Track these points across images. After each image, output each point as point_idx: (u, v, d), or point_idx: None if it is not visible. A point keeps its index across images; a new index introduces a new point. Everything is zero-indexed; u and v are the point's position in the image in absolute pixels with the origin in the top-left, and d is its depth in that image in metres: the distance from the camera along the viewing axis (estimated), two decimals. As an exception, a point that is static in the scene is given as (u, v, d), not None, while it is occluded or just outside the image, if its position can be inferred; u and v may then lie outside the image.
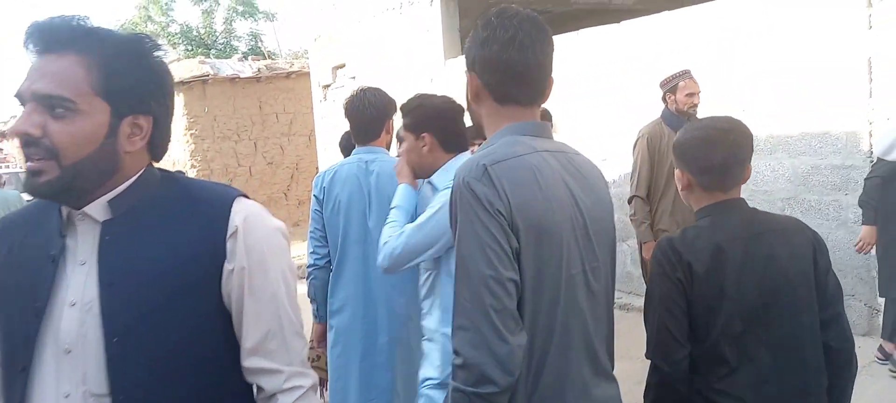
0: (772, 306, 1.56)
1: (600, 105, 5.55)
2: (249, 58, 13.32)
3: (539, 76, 1.37)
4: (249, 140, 11.99)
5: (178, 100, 11.48)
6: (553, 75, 1.40)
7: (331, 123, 8.99)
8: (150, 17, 23.00)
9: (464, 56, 1.47)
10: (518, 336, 1.21)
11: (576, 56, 5.63)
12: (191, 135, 11.49)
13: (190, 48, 22.31)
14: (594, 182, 1.41)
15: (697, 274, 1.55)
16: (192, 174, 9.06)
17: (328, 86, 9.04)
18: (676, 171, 1.74)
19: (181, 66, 11.75)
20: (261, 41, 23.77)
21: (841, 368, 1.61)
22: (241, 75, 11.71)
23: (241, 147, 11.85)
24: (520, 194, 1.24)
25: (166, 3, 23.15)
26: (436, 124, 2.12)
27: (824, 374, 1.59)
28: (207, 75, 11.34)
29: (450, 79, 6.85)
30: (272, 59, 14.09)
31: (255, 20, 24.24)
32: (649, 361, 1.64)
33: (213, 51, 21.79)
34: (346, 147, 3.74)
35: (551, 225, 1.27)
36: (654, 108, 4.14)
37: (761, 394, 1.54)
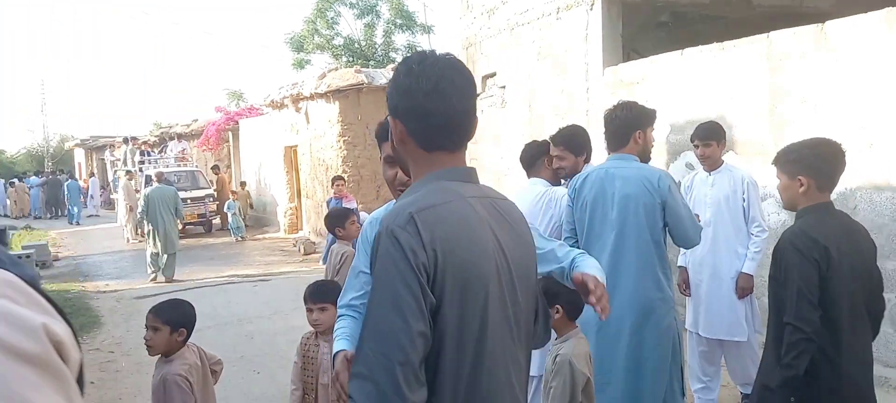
0: (866, 285, 2.24)
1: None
2: (403, 68, 13.46)
3: (464, 122, 1.37)
4: (398, 149, 12.07)
5: (334, 107, 11.86)
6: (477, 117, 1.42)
7: (481, 134, 8.70)
8: (317, 30, 24.38)
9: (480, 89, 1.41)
10: (417, 392, 1.19)
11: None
12: (343, 141, 11.79)
13: (351, 59, 23.31)
14: (518, 226, 1.43)
15: (833, 258, 2.14)
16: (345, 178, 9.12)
17: (479, 95, 8.76)
18: (790, 180, 2.31)
19: (338, 75, 12.11)
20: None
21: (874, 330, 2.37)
22: (394, 84, 11.81)
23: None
24: (447, 243, 1.24)
25: (332, 18, 24.43)
26: None
27: None
28: (362, 84, 11.57)
29: (608, 88, 6.26)
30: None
31: (412, 33, 24.88)
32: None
33: (372, 62, 22.60)
34: (528, 159, 3.59)
35: (477, 274, 1.27)
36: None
37: (866, 353, 2.26)
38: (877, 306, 2.32)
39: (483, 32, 8.46)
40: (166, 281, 9.64)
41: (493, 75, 8.38)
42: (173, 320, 2.70)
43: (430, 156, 1.37)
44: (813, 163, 2.25)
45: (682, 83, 5.61)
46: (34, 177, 26.74)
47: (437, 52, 1.39)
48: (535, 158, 3.58)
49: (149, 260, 9.83)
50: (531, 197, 3.42)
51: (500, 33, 8.06)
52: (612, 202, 2.93)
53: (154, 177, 11.83)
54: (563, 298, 2.51)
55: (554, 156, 3.45)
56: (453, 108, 1.33)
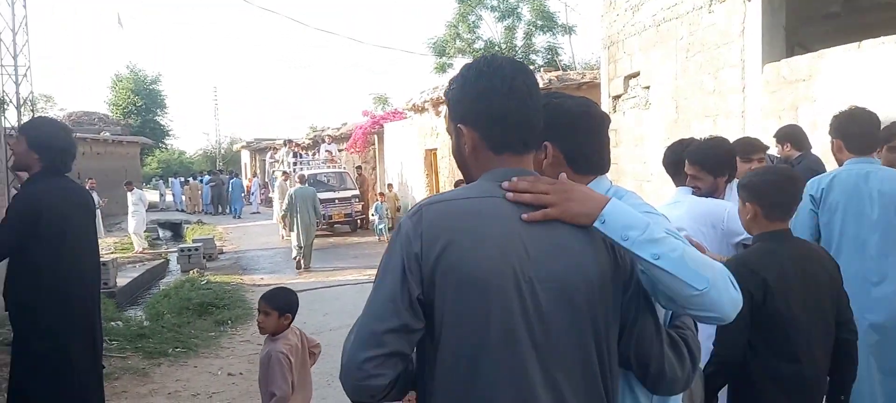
0: (818, 311, 2.21)
1: None
2: (541, 70, 13.24)
3: (536, 122, 1.35)
4: (536, 152, 11.90)
5: (472, 110, 11.88)
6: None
7: (621, 136, 8.31)
8: (458, 34, 24.75)
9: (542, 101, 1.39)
10: (388, 371, 1.24)
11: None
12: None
13: (491, 63, 23.39)
14: (564, 237, 1.28)
15: (772, 287, 2.14)
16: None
17: (619, 96, 8.36)
18: (743, 205, 2.31)
19: (477, 78, 12.14)
20: (557, 54, 23.90)
21: (850, 357, 2.29)
22: (532, 86, 11.65)
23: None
24: (445, 237, 1.23)
25: (473, 21, 24.68)
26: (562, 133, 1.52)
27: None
28: (500, 86, 11.50)
29: (767, 86, 5.67)
30: (565, 71, 13.84)
31: (553, 34, 24.50)
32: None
33: (511, 65, 22.51)
34: (673, 164, 3.12)
35: (480, 274, 1.23)
36: None
37: (814, 375, 2.23)
38: (843, 333, 2.27)
39: (626, 30, 8.05)
40: (306, 272, 11.04)
41: (636, 75, 7.94)
42: (280, 306, 3.11)
43: (497, 159, 1.34)
44: (761, 191, 2.25)
45: (859, 79, 4.93)
46: (207, 175, 29.63)
47: (501, 55, 1.38)
48: (680, 163, 2.98)
49: (294, 245, 11.65)
50: (698, 212, 2.79)
51: (645, 30, 7.62)
52: (871, 203, 2.90)
53: (297, 179, 13.53)
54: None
55: (689, 174, 2.99)
56: (527, 108, 1.32)
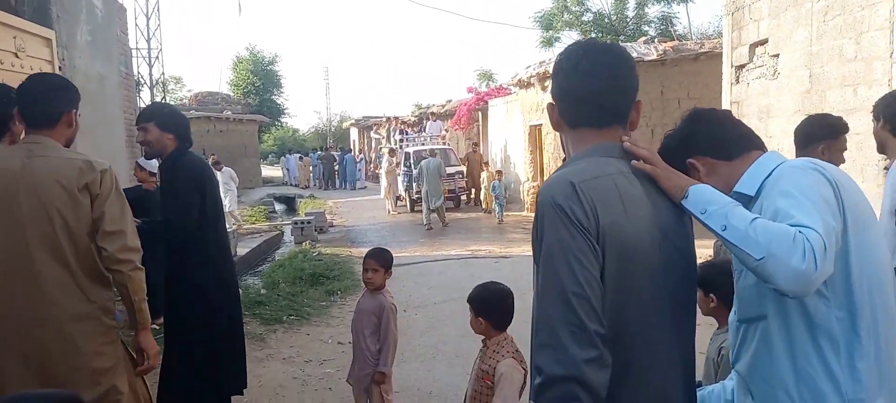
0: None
1: None
2: (656, 41, 12.60)
3: (606, 100, 1.43)
4: (647, 127, 11.38)
5: (581, 84, 11.54)
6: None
7: (744, 109, 7.74)
8: (566, 6, 24.06)
9: None
10: (603, 354, 1.23)
11: None
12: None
13: (601, 35, 22.61)
14: (672, 207, 1.42)
15: None
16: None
17: (743, 66, 7.78)
18: None
19: (586, 51, 11.76)
20: (672, 24, 22.71)
21: None
22: (645, 58, 11.12)
23: (636, 134, 11.29)
24: (608, 214, 1.30)
25: (582, -7, 23.89)
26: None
27: None
28: (610, 59, 11.08)
29: (921, 51, 5.05)
30: (681, 42, 13.11)
31: (667, 3, 23.28)
32: None
33: (622, 37, 21.66)
34: (803, 137, 2.90)
35: (635, 249, 1.31)
36: None
37: None
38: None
39: (753, -7, 7.44)
40: (444, 230, 13.04)
41: (763, 42, 7.34)
42: (387, 263, 3.52)
43: (576, 134, 1.48)
44: None
45: None
46: (319, 151, 30.85)
47: (598, 41, 1.54)
48: (813, 139, 2.83)
49: (424, 213, 13.52)
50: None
51: (775, -7, 7.00)
52: None
53: (428, 152, 15.56)
54: (719, 287, 2.37)
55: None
56: (594, 86, 1.42)
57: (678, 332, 1.41)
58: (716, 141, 1.64)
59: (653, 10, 23.74)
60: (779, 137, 7.03)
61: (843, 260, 1.42)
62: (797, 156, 2.86)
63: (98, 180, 2.27)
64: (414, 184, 15.52)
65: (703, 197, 1.40)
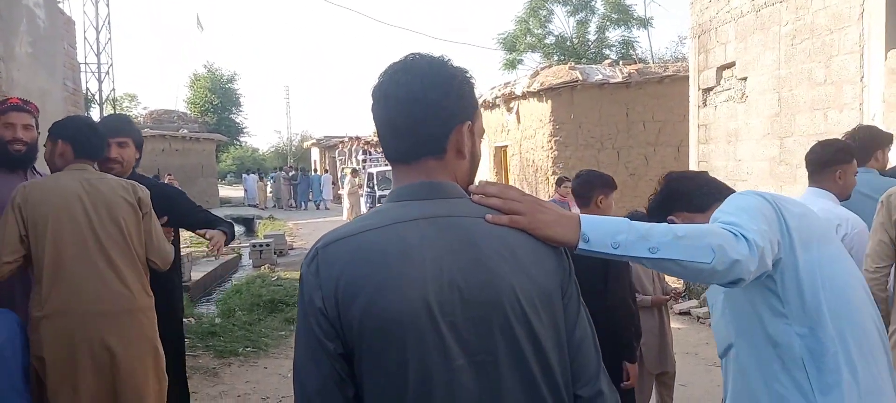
0: None
1: None
2: (620, 63, 12.67)
3: (407, 128, 1.18)
4: (613, 149, 11.36)
5: (546, 106, 11.47)
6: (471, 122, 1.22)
7: (711, 132, 7.72)
8: (529, 29, 24.25)
9: None
10: None
11: None
12: (555, 141, 11.36)
13: (563, 58, 22.82)
14: (487, 253, 1.13)
15: None
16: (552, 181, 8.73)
17: (710, 89, 7.77)
18: None
19: (551, 73, 11.71)
20: (633, 48, 23.07)
21: None
22: (611, 81, 11.12)
23: (603, 155, 11.28)
24: (352, 283, 1.09)
25: (545, 16, 24.12)
26: None
27: None
28: (576, 81, 11.04)
29: (893, 75, 5.04)
30: (645, 65, 13.21)
31: (628, 27, 23.67)
32: None
33: (584, 60, 21.88)
34: (817, 162, 2.78)
35: (396, 316, 1.08)
36: None
37: None
38: None
39: (720, 17, 7.46)
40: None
41: (730, 65, 7.34)
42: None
43: (394, 170, 1.24)
44: None
45: None
46: (281, 171, 30.30)
47: (414, 58, 1.22)
48: (828, 164, 2.74)
49: None
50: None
51: (743, 16, 7.01)
52: None
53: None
54: None
55: None
56: (391, 111, 1.20)
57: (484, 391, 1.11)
58: (692, 197, 1.83)
59: (614, 35, 24.15)
60: (748, 160, 7.00)
61: (793, 276, 1.48)
62: (811, 184, 2.76)
63: (146, 199, 2.77)
64: (377, 205, 15.33)
65: (604, 230, 1.21)
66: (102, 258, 2.62)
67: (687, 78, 8.72)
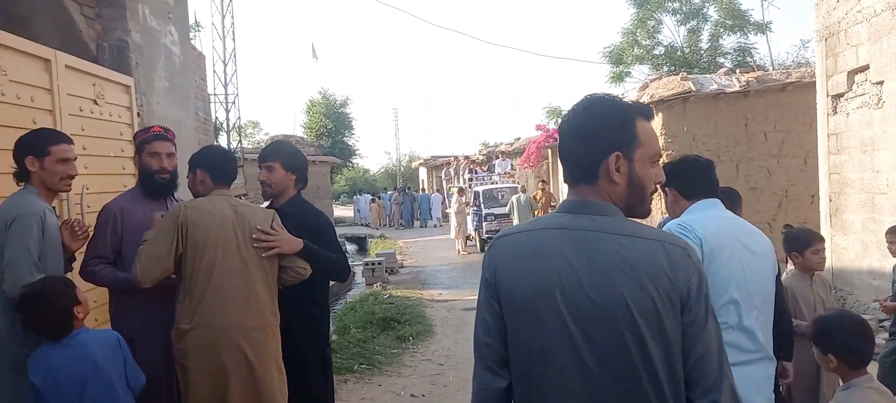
0: None
1: None
2: (737, 71, 12.02)
3: (571, 158, 1.49)
4: (731, 162, 10.76)
5: (656, 119, 11.06)
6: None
7: (844, 142, 7.14)
8: (636, 41, 23.57)
9: None
10: (493, 381, 1.51)
11: None
12: (667, 155, 10.94)
13: (673, 68, 21.96)
14: (605, 261, 1.38)
15: None
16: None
17: (841, 95, 7.20)
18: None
19: (662, 84, 11.30)
20: (750, 55, 21.83)
21: None
22: (727, 90, 10.57)
23: (720, 169, 10.55)
24: (504, 266, 1.49)
25: (653, 26, 23.36)
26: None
27: None
28: (689, 92, 10.59)
29: None
30: (765, 72, 12.45)
31: (744, 33, 22.43)
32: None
33: (696, 69, 20.95)
34: None
35: (523, 297, 1.44)
36: None
37: None
38: None
39: (850, 17, 6.91)
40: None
41: (863, 69, 6.77)
42: None
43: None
44: None
45: None
46: (392, 191, 31.23)
47: (591, 96, 1.51)
48: None
49: None
50: None
51: (876, 16, 6.46)
52: None
53: (520, 188, 16.25)
54: (836, 343, 2.36)
55: None
56: (563, 143, 1.53)
57: (588, 383, 1.38)
58: (685, 182, 2.46)
59: (728, 42, 22.94)
60: (887, 171, 6.40)
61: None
62: None
63: (277, 225, 2.95)
64: (484, 223, 15.42)
65: None
66: (246, 277, 2.82)
67: (813, 84, 8.15)
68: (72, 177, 2.81)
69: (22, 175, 2.71)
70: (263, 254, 2.86)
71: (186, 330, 2.75)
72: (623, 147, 1.43)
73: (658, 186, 1.60)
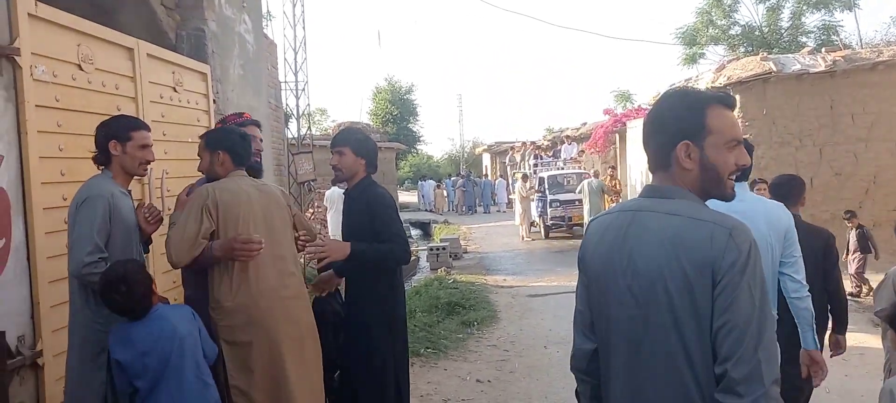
0: None
1: None
2: (822, 50, 11.35)
3: (649, 147, 1.65)
4: (814, 146, 10.21)
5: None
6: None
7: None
8: (712, 20, 22.68)
9: None
10: (583, 344, 1.76)
11: None
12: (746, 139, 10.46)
13: (750, 49, 21.01)
14: (651, 239, 1.53)
15: None
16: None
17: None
18: None
19: (740, 65, 10.81)
20: (836, 33, 20.62)
21: None
22: (811, 70, 10.01)
23: (802, 154, 10.17)
24: (588, 244, 1.72)
25: (730, 5, 22.41)
26: None
27: None
28: (769, 73, 10.09)
29: None
30: (853, 51, 11.72)
31: (829, 11, 21.20)
32: None
33: (775, 50, 19.96)
34: None
35: (595, 270, 1.66)
36: None
37: None
38: None
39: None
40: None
41: (968, 45, 6.25)
42: None
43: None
44: None
45: None
46: (456, 177, 31.31)
47: (670, 90, 1.77)
48: None
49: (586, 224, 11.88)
50: None
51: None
52: None
53: (591, 174, 15.56)
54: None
55: None
56: (642, 137, 1.68)
57: (629, 367, 1.57)
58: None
59: (811, 19, 21.77)
60: None
61: None
62: None
63: (291, 203, 3.22)
64: (549, 209, 15.27)
65: None
66: (277, 251, 2.99)
67: (909, 63, 7.60)
68: (149, 162, 2.92)
69: (101, 158, 2.83)
70: (316, 264, 3.16)
71: (230, 307, 2.84)
72: (691, 136, 1.54)
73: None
